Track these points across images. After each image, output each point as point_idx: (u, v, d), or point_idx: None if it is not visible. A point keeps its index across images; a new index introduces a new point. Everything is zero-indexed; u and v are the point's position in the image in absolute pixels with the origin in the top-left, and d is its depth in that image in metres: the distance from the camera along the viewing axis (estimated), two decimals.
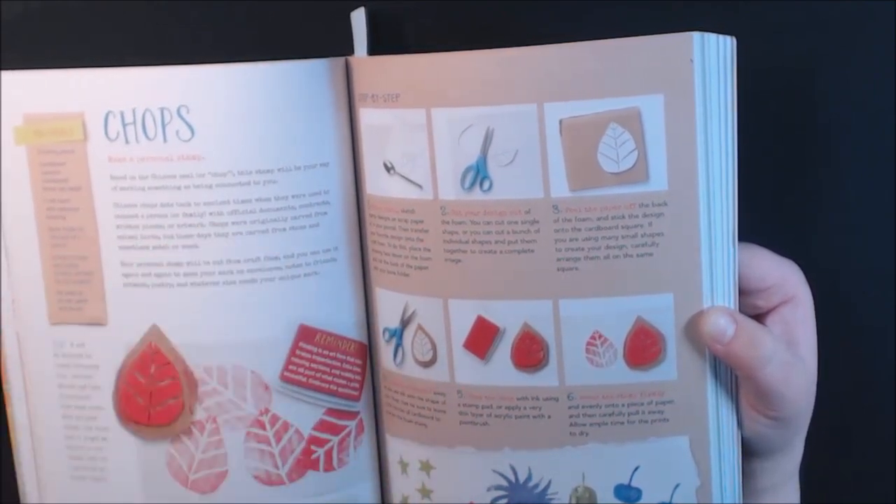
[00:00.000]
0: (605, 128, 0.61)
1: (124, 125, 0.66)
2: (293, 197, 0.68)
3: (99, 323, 0.68)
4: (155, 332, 0.68)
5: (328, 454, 0.70)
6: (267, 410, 0.69)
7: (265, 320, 0.68)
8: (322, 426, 0.70)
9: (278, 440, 0.69)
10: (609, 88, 0.60)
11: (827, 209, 0.72)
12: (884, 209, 0.71)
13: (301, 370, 0.69)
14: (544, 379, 0.64)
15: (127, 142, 0.66)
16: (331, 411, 0.70)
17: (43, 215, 0.68)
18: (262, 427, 0.69)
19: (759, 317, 0.65)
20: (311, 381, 0.69)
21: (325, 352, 0.69)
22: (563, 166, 0.61)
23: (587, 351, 0.63)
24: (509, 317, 0.64)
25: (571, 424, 0.64)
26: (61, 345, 0.69)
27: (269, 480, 0.69)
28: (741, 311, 0.63)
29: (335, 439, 0.70)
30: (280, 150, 0.67)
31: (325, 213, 0.69)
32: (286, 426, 0.69)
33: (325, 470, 0.70)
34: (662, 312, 0.62)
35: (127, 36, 0.76)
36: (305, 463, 0.69)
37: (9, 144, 0.67)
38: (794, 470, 0.68)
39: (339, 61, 0.68)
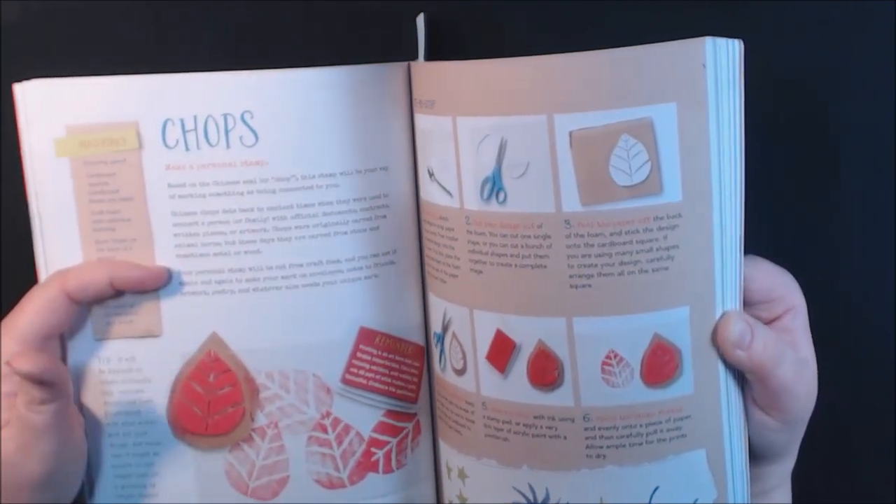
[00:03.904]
0: (617, 139, 0.58)
1: (185, 132, 0.66)
2: (354, 200, 0.68)
3: (152, 335, 0.68)
4: (214, 339, 0.68)
5: (387, 456, 0.70)
6: (328, 413, 0.69)
7: (327, 323, 0.68)
8: (381, 428, 0.70)
9: (340, 443, 0.69)
10: (620, 99, 0.58)
11: (826, 209, 0.71)
12: (884, 209, 0.71)
13: (362, 372, 0.69)
14: (559, 399, 0.61)
15: (187, 149, 0.66)
16: (390, 413, 0.70)
17: (88, 228, 0.67)
18: (324, 430, 0.69)
19: None
20: (371, 383, 0.69)
21: (385, 354, 0.70)
22: (574, 180, 0.59)
23: (603, 371, 0.61)
24: (525, 333, 0.62)
25: (588, 447, 0.61)
26: (108, 360, 0.68)
27: (331, 484, 0.70)
28: None
29: (394, 441, 0.70)
30: (342, 154, 0.67)
31: (385, 216, 0.69)
32: (347, 429, 0.69)
33: (385, 472, 0.70)
34: (679, 326, 0.60)
35: (142, 37, 0.75)
36: (366, 465, 0.70)
37: (47, 157, 0.66)
38: (788, 473, 0.68)
39: (400, 66, 0.68)
